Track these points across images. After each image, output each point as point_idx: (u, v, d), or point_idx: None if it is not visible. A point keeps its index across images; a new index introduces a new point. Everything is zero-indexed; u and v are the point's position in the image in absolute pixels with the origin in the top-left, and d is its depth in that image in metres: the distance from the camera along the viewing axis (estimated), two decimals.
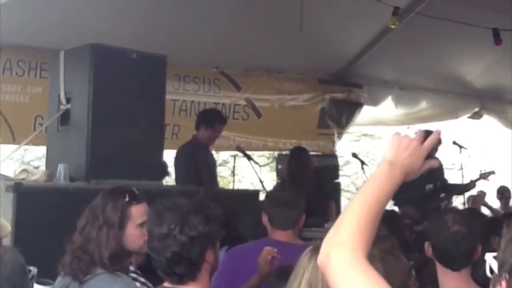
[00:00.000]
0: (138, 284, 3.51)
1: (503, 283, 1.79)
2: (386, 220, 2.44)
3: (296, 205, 4.52)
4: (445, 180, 9.36)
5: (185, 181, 7.28)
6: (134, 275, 3.57)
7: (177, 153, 7.68)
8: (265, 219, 4.50)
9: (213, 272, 3.01)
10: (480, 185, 9.54)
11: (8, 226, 4.03)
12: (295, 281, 2.29)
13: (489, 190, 10.13)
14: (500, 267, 1.81)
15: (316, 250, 2.15)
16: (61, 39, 6.26)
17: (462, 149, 9.49)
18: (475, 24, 7.82)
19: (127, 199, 3.63)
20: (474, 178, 9.33)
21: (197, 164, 7.44)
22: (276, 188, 4.99)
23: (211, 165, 7.85)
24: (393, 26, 7.85)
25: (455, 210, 4.86)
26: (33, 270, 3.19)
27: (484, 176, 9.36)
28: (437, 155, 9.14)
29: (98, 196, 3.75)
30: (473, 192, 10.33)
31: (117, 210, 3.59)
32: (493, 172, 9.49)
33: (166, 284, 2.99)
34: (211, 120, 7.59)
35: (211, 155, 7.91)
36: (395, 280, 2.73)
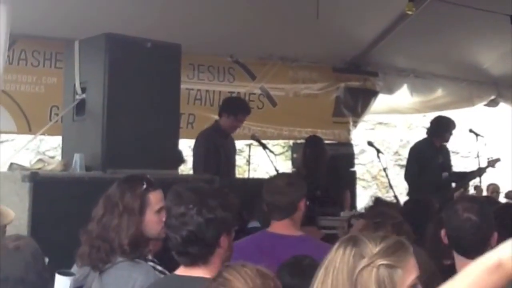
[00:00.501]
0: (156, 272, 3.52)
1: None
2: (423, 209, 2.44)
3: (292, 191, 4.20)
4: (452, 167, 9.33)
5: (203, 167, 7.28)
6: (152, 263, 3.58)
7: (197, 139, 7.68)
8: (265, 208, 4.29)
9: (225, 260, 2.98)
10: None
11: (10, 213, 4.05)
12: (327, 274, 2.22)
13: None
14: None
15: (348, 241, 2.14)
16: (75, 29, 6.26)
17: (479, 137, 9.43)
18: (492, 10, 7.75)
19: (144, 186, 3.69)
20: (480, 167, 9.32)
21: (216, 150, 7.44)
22: (276, 175, 4.78)
23: (231, 153, 7.84)
24: (409, 12, 7.77)
25: (468, 198, 4.84)
26: (46, 259, 3.21)
27: (491, 163, 9.34)
28: (453, 142, 9.17)
29: (112, 185, 3.78)
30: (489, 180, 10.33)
31: (137, 197, 3.66)
32: (499, 160, 9.46)
33: (177, 272, 3.01)
34: (235, 108, 7.59)
35: (232, 143, 7.89)
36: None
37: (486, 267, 1.85)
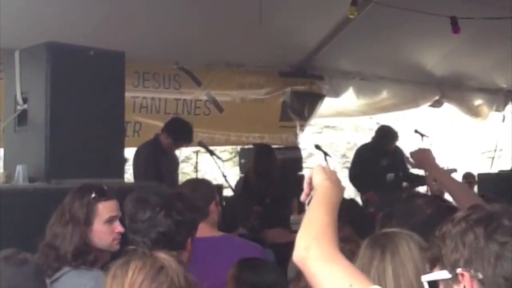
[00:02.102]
0: None
1: (466, 277, 1.80)
2: (345, 210, 2.49)
3: (197, 197, 4.14)
4: (407, 169, 9.46)
5: (143, 178, 7.24)
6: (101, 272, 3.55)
7: (137, 151, 7.62)
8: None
9: (187, 263, 2.97)
10: None
11: None
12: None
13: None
14: (454, 265, 1.84)
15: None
16: (16, 39, 6.14)
17: (424, 138, 9.58)
18: (433, 12, 7.87)
19: (93, 195, 3.65)
20: None
21: (156, 164, 7.38)
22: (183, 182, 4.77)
23: (172, 167, 7.80)
24: (351, 16, 7.87)
25: (423, 194, 4.89)
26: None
27: None
28: (398, 143, 9.32)
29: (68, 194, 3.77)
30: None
31: (83, 207, 3.62)
32: (455, 170, 9.60)
33: None
34: (176, 134, 7.53)
35: (173, 156, 7.85)
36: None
37: (327, 186, 2.45)
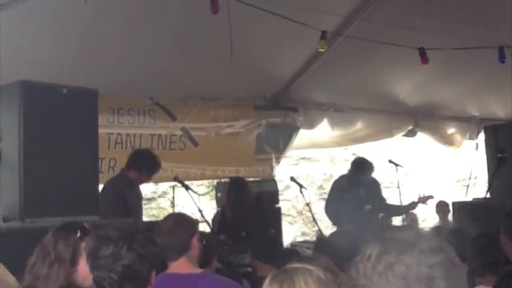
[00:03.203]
0: None
1: None
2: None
3: (180, 231, 4.25)
4: (383, 200, 9.54)
5: (111, 213, 7.19)
6: None
7: (104, 188, 7.54)
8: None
9: None
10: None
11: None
12: None
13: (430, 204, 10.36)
14: None
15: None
16: None
17: (398, 167, 9.67)
18: (402, 44, 7.99)
19: (78, 234, 3.60)
20: (413, 201, 9.62)
21: (124, 200, 7.34)
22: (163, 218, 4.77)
23: (138, 201, 7.77)
24: (322, 50, 7.95)
25: (414, 226, 4.92)
26: None
27: (422, 200, 9.68)
28: (374, 174, 9.40)
29: (48, 233, 3.71)
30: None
31: (69, 246, 3.55)
32: (431, 197, 9.79)
33: None
34: (145, 165, 7.55)
35: (138, 191, 7.80)
36: None
37: None
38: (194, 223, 4.51)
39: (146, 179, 7.69)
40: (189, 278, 4.10)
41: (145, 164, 7.56)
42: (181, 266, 4.19)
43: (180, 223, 4.31)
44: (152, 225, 7.06)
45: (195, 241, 4.26)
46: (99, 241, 2.94)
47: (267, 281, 2.50)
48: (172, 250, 4.19)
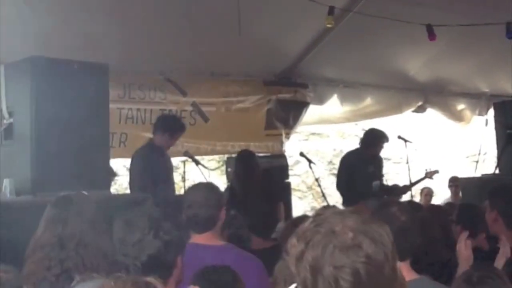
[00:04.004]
0: None
1: None
2: None
3: (211, 205, 4.17)
4: (383, 178, 9.55)
5: (139, 185, 7.29)
6: None
7: (132, 158, 7.67)
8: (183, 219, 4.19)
9: (179, 278, 3.03)
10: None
11: None
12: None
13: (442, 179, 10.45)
14: None
15: None
16: (1, 53, 6.21)
17: (407, 143, 9.69)
18: (410, 20, 7.99)
19: None
20: (419, 178, 9.67)
21: (152, 169, 7.44)
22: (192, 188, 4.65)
23: (168, 169, 7.86)
24: (329, 26, 7.96)
25: (397, 201, 4.98)
26: None
27: (429, 174, 9.71)
28: (384, 149, 9.42)
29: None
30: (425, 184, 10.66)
31: None
32: (437, 171, 9.82)
33: None
34: (170, 127, 7.65)
35: (168, 159, 7.90)
36: None
37: None
38: (223, 195, 4.44)
39: (170, 142, 7.72)
40: (214, 249, 4.12)
41: (168, 125, 7.67)
42: (207, 237, 4.17)
43: (212, 196, 4.23)
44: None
45: (223, 214, 4.23)
46: (126, 228, 2.99)
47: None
48: (202, 223, 4.15)
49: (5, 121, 5.34)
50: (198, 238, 4.16)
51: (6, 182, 5.03)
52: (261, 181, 8.17)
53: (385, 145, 9.27)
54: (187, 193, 4.43)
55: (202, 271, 3.59)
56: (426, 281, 3.54)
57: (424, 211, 6.03)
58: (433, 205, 6.81)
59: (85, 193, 3.96)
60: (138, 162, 7.56)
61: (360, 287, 1.74)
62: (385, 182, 9.61)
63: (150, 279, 2.52)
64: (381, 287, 1.78)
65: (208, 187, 4.44)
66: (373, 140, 9.20)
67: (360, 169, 9.15)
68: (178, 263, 3.01)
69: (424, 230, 3.83)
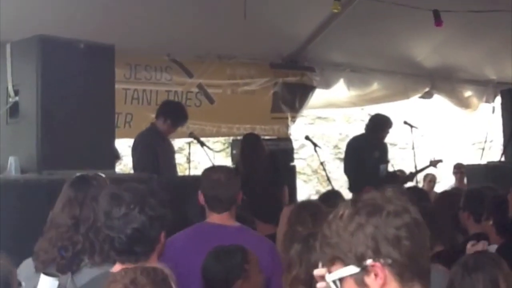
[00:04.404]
0: None
1: (377, 266, 1.92)
2: None
3: (233, 185, 4.34)
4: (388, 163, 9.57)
5: (142, 168, 7.31)
6: None
7: (134, 141, 7.69)
8: (201, 198, 4.33)
9: (160, 254, 3.10)
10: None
11: None
12: None
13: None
14: (360, 258, 1.94)
15: None
16: (7, 32, 6.21)
17: (413, 129, 9.69)
18: (417, 6, 7.96)
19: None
20: (423, 166, 9.71)
21: (154, 152, 7.45)
22: (211, 169, 4.78)
23: (169, 153, 7.86)
24: (335, 11, 7.95)
25: (394, 189, 4.99)
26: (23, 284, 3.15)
27: (433, 163, 9.74)
28: (391, 134, 9.43)
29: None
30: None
31: None
32: (441, 161, 9.85)
33: (118, 266, 3.03)
34: (172, 115, 7.61)
35: (169, 144, 7.91)
36: None
37: None
38: (240, 179, 4.52)
39: (171, 129, 7.71)
40: (231, 229, 4.23)
41: (171, 112, 7.64)
42: (222, 218, 4.28)
43: (233, 177, 4.38)
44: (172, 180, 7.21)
45: (239, 197, 4.37)
46: (112, 202, 3.04)
47: None
48: (223, 203, 4.26)
49: (10, 99, 5.35)
50: (215, 218, 4.27)
51: (11, 159, 5.05)
52: (266, 164, 8.18)
53: (390, 130, 9.29)
54: (208, 174, 4.47)
55: (215, 250, 3.75)
56: (435, 268, 3.56)
57: (435, 201, 6.07)
58: (444, 194, 6.80)
59: (102, 175, 3.98)
60: (139, 144, 7.57)
61: (415, 240, 1.95)
62: (390, 168, 9.62)
63: (155, 265, 2.63)
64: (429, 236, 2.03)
65: (229, 169, 4.67)
66: (379, 125, 9.22)
67: (366, 153, 9.17)
68: (161, 239, 3.07)
69: (433, 221, 3.84)
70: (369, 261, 1.92)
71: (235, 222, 4.37)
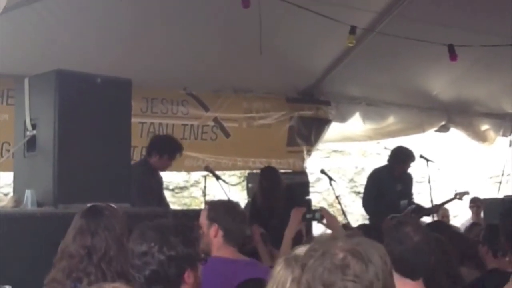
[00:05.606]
0: None
1: None
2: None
3: (247, 220, 4.44)
4: (412, 199, 9.50)
5: (138, 201, 7.24)
6: None
7: None
8: (214, 233, 4.28)
9: None
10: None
11: None
12: None
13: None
14: None
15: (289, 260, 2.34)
16: (26, 66, 6.30)
17: (429, 162, 9.65)
18: (432, 41, 7.98)
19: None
20: (448, 198, 9.64)
21: (149, 186, 7.41)
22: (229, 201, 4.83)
23: (160, 187, 7.83)
24: (350, 44, 7.98)
25: (411, 221, 4.97)
26: None
27: (459, 196, 9.67)
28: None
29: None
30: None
31: None
32: (467, 193, 9.79)
33: None
34: (167, 149, 7.51)
35: (160, 179, 7.83)
36: None
37: None
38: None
39: (168, 163, 7.63)
40: (242, 263, 4.27)
41: (165, 148, 7.53)
42: (233, 252, 4.32)
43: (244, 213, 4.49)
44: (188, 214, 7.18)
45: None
46: (136, 240, 3.04)
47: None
48: (238, 238, 4.34)
49: (28, 133, 5.39)
50: (227, 252, 4.28)
51: (28, 193, 5.07)
52: (283, 198, 8.17)
53: (412, 164, 9.28)
54: (229, 204, 4.60)
55: (245, 284, 3.75)
56: None
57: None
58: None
59: (114, 206, 3.99)
60: (135, 180, 7.48)
61: None
62: (414, 200, 9.58)
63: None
64: None
65: (238, 204, 4.67)
66: (402, 157, 9.23)
67: (388, 186, 9.15)
68: (187, 279, 3.00)
69: (439, 250, 3.81)
70: None
71: (242, 255, 4.42)
